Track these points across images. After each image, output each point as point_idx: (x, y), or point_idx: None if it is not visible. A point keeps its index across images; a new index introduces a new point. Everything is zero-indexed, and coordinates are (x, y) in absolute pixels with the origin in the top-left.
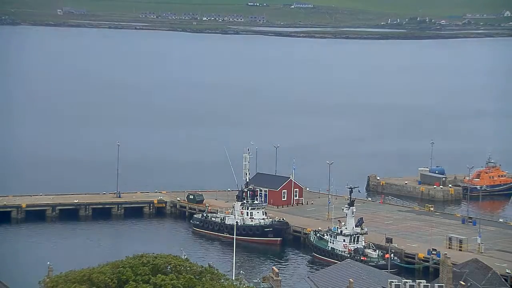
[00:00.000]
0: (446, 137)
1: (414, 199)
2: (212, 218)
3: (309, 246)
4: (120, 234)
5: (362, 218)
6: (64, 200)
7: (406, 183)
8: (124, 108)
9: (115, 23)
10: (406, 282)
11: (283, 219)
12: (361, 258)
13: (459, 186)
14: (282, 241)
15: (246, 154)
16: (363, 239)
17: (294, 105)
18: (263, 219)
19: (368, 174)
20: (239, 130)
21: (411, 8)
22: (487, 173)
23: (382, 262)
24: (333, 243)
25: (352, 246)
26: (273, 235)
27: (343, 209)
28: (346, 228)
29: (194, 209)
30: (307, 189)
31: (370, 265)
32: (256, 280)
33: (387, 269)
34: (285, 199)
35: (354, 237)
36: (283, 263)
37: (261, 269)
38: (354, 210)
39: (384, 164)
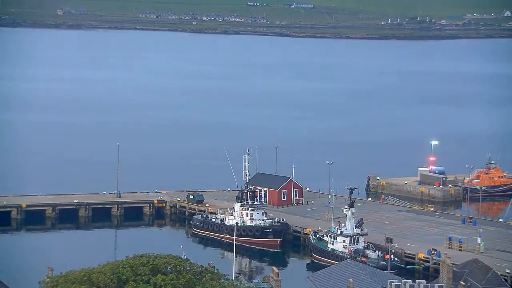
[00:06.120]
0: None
1: (414, 199)
2: (212, 219)
3: (309, 247)
4: (120, 234)
5: (362, 219)
6: (64, 200)
7: (406, 183)
8: (125, 109)
9: (115, 23)
10: (406, 282)
11: (283, 219)
12: (361, 259)
13: (459, 186)
14: (282, 242)
15: (246, 155)
16: (363, 240)
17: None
18: (263, 220)
19: (368, 174)
20: (239, 130)
21: (411, 8)
22: (487, 173)
23: (382, 263)
24: (333, 244)
25: (352, 247)
26: (273, 236)
27: (343, 210)
28: (346, 229)
29: (194, 209)
30: (307, 189)
31: (370, 266)
32: (256, 280)
33: (387, 270)
34: (285, 199)
35: (354, 238)
36: (283, 264)
37: (261, 269)
38: (354, 211)
39: (384, 164)
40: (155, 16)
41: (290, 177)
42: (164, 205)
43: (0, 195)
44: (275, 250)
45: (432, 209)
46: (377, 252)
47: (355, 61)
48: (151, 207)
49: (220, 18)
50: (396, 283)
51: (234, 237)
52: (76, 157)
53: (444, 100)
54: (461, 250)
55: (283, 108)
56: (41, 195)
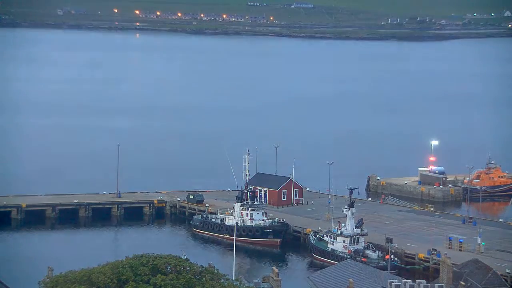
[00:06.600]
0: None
1: (414, 199)
2: (212, 219)
3: (309, 247)
4: (120, 234)
5: (362, 219)
6: (64, 200)
7: (406, 183)
8: (125, 109)
9: (115, 23)
10: (406, 282)
11: (283, 220)
12: (362, 259)
13: (459, 186)
14: (282, 242)
15: (246, 155)
16: (363, 240)
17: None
18: (263, 220)
19: (368, 174)
20: (239, 131)
21: (411, 8)
22: (487, 173)
23: (382, 263)
24: (333, 244)
25: (352, 247)
26: (273, 236)
27: (343, 210)
28: (346, 229)
29: (194, 209)
30: (307, 189)
31: (370, 266)
32: (256, 280)
33: (387, 270)
34: (285, 199)
35: (354, 238)
36: (283, 264)
37: (261, 269)
38: (354, 211)
39: (384, 164)
40: (155, 16)
41: (290, 177)
42: (164, 205)
43: (0, 195)
44: (275, 250)
45: (432, 209)
46: (377, 252)
47: (355, 62)
48: (151, 207)
49: (220, 18)
50: (396, 283)
51: (234, 237)
52: (76, 157)
53: (444, 100)
54: (461, 250)
55: (283, 108)
56: (41, 195)
